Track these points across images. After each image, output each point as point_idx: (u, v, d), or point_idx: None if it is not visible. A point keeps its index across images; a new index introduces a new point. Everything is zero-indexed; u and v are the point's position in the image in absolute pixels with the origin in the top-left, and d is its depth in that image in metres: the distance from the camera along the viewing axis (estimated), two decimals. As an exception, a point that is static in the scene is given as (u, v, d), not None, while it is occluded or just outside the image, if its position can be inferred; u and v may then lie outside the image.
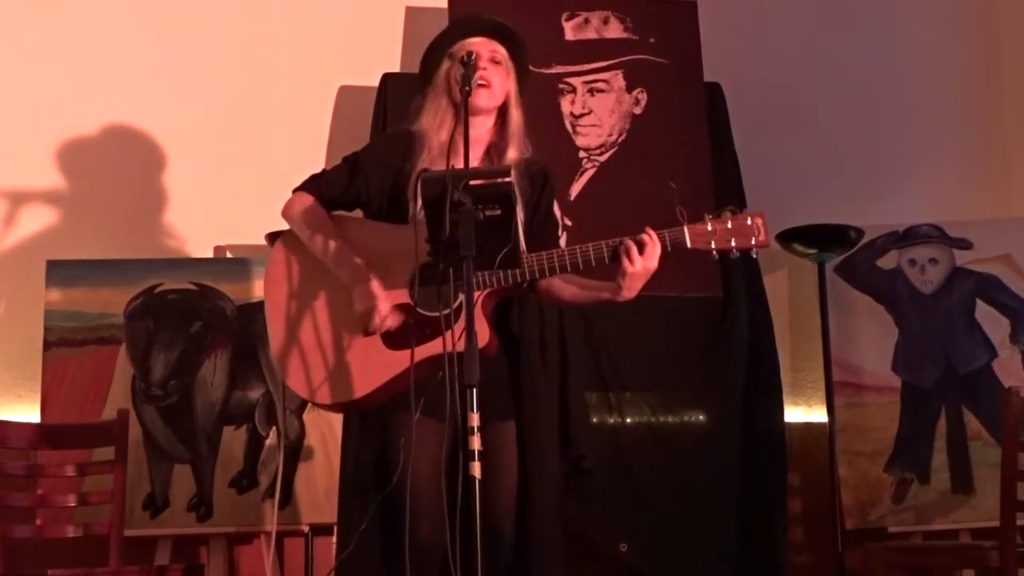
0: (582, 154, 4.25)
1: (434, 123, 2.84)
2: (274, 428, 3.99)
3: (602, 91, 4.31)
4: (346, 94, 4.51)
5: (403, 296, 2.74)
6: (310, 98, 4.47)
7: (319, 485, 3.93)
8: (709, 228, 2.71)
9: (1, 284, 4.25)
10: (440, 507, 2.48)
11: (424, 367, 2.62)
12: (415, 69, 2.97)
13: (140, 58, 4.44)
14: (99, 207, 4.36)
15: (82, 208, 4.35)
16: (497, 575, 2.60)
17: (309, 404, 3.36)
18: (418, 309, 2.69)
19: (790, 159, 4.65)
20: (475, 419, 2.31)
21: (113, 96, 4.40)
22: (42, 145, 4.35)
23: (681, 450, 4.07)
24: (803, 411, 4.56)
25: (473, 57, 2.71)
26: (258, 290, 3.99)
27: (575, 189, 4.21)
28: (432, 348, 2.63)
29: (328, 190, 2.87)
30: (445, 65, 2.86)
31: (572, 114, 4.28)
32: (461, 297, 2.54)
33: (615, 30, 4.37)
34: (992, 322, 4.30)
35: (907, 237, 4.40)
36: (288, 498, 3.94)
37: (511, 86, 2.89)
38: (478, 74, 2.74)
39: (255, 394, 4.02)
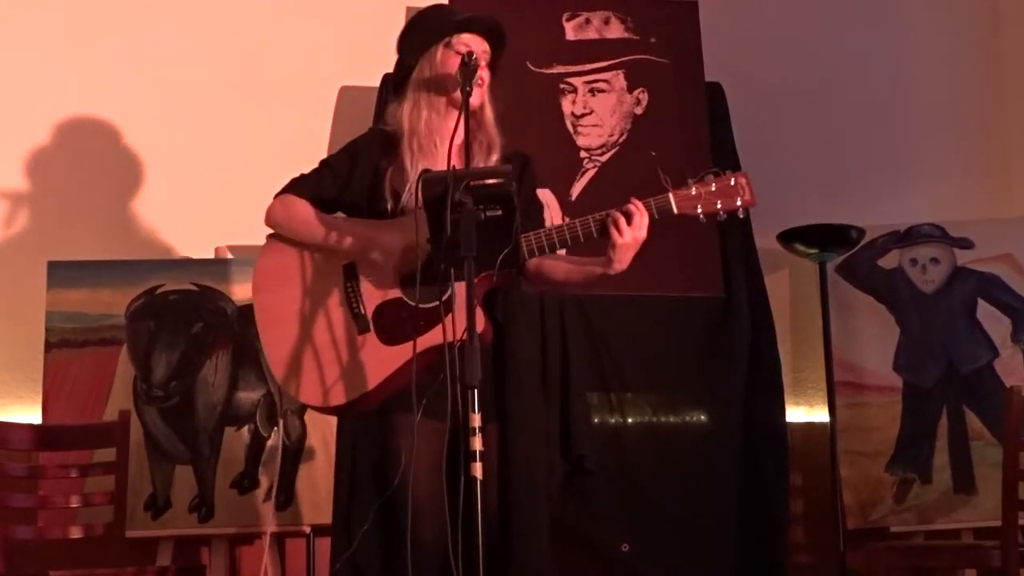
0: (583, 154, 4.26)
1: (426, 118, 2.82)
2: (275, 429, 3.99)
3: (603, 91, 4.31)
4: (347, 95, 4.51)
5: (394, 291, 2.74)
6: (311, 99, 4.47)
7: (320, 486, 3.93)
8: (693, 192, 2.70)
9: (2, 285, 4.25)
10: (440, 508, 2.49)
11: (423, 359, 2.60)
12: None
13: (140, 59, 4.44)
14: (100, 208, 4.36)
15: (83, 209, 4.35)
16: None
17: (310, 405, 3.36)
18: (409, 302, 2.69)
19: (791, 159, 4.65)
20: (476, 420, 2.31)
21: (114, 97, 4.40)
22: (42, 146, 4.35)
23: (682, 450, 4.07)
24: (804, 411, 4.56)
25: (475, 57, 2.71)
26: (259, 291, 3.99)
27: (576, 189, 4.21)
28: (430, 339, 2.63)
29: (308, 192, 2.85)
30: (438, 56, 2.82)
31: (573, 114, 4.28)
32: (453, 287, 2.55)
33: (616, 30, 4.37)
34: (993, 322, 4.29)
35: (908, 237, 4.40)
36: (290, 499, 3.94)
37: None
38: (478, 73, 2.74)
39: (256, 395, 4.02)
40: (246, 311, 4.05)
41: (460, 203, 2.39)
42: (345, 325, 2.74)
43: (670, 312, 4.11)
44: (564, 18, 4.36)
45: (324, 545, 3.94)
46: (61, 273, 4.05)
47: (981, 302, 4.32)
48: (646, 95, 4.32)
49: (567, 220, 2.73)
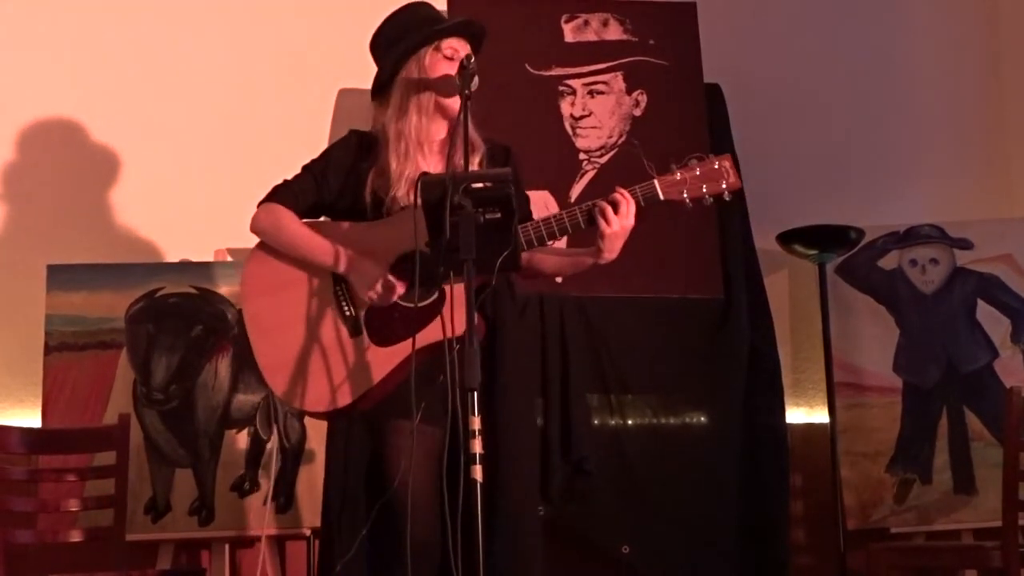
0: (582, 156, 4.26)
1: (415, 122, 2.81)
2: (275, 432, 3.98)
3: (602, 93, 4.31)
4: (346, 97, 4.51)
5: None
6: (310, 101, 4.47)
7: (320, 489, 3.91)
8: (678, 177, 2.71)
9: (2, 288, 4.25)
10: (433, 512, 2.49)
11: (419, 357, 2.59)
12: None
13: (140, 63, 4.44)
14: (99, 211, 4.36)
15: (82, 212, 4.35)
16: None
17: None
18: (401, 303, 2.69)
19: (790, 160, 4.65)
20: (476, 422, 2.31)
21: (113, 100, 4.40)
22: (41, 149, 4.35)
23: (683, 452, 4.07)
24: (804, 412, 4.56)
25: (472, 61, 2.71)
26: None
27: (575, 191, 4.21)
28: (424, 339, 2.62)
29: (292, 198, 2.84)
30: (427, 60, 2.81)
31: (572, 116, 4.28)
32: (444, 286, 2.57)
33: (615, 32, 4.37)
34: (993, 322, 4.29)
35: (908, 237, 4.40)
36: (289, 502, 3.94)
37: None
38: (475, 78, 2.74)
39: (256, 398, 4.02)
40: (246, 314, 4.05)
41: (459, 206, 2.39)
42: (337, 329, 2.74)
43: (670, 314, 4.11)
44: (563, 20, 4.37)
45: (324, 548, 3.94)
46: (61, 276, 4.05)
47: (981, 303, 4.32)
48: (645, 97, 4.33)
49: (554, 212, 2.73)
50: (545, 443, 3.86)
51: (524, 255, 2.77)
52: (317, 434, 3.98)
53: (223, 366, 4.03)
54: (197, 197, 4.36)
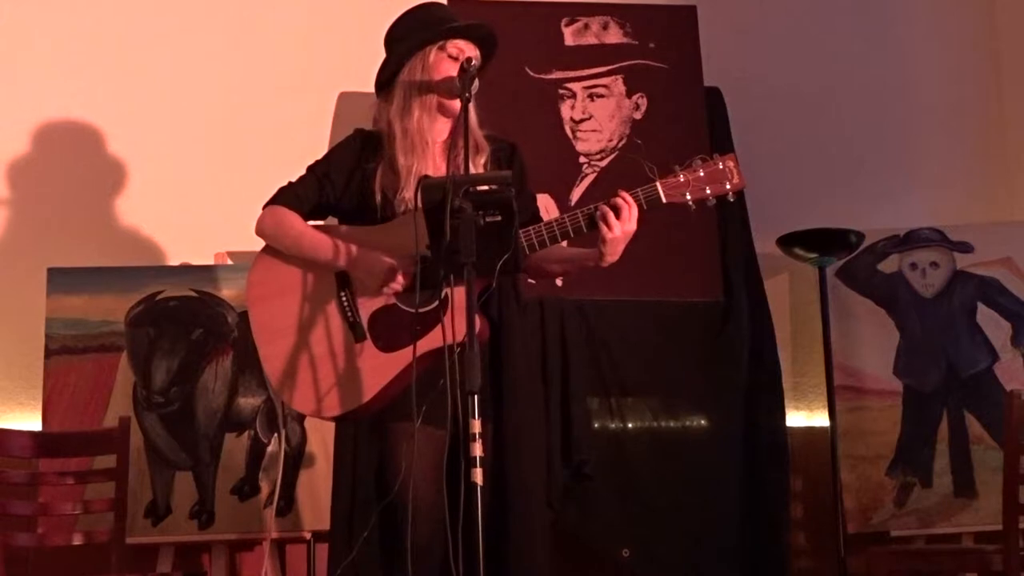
0: (582, 159, 4.26)
1: (417, 118, 2.81)
2: (276, 435, 3.98)
3: (602, 96, 4.31)
4: (346, 100, 4.51)
5: (388, 297, 2.73)
6: (310, 104, 4.47)
7: (321, 492, 3.92)
8: (681, 179, 2.68)
9: (2, 291, 4.25)
10: (436, 515, 2.48)
11: (421, 363, 2.60)
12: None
13: (140, 66, 4.44)
14: (100, 214, 4.36)
15: (83, 215, 4.35)
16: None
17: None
18: (403, 307, 2.69)
19: (790, 164, 4.65)
20: (477, 426, 2.31)
21: (113, 104, 4.40)
22: (42, 152, 4.35)
23: (683, 455, 4.07)
24: (805, 415, 4.56)
25: (474, 63, 2.71)
26: (259, 297, 3.98)
27: (576, 194, 4.21)
28: (428, 344, 2.63)
29: (297, 201, 2.85)
30: (431, 58, 2.82)
31: (572, 119, 4.29)
32: (446, 290, 2.57)
33: (615, 35, 4.38)
34: (993, 326, 4.29)
35: (908, 241, 4.40)
36: (290, 505, 3.94)
37: None
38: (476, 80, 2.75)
39: (256, 401, 4.02)
40: (246, 317, 4.01)
41: (460, 209, 2.39)
42: (342, 334, 2.74)
43: (670, 317, 4.11)
44: (563, 23, 4.37)
45: (324, 551, 3.91)
46: (61, 279, 4.04)
47: (981, 306, 4.32)
48: (645, 100, 4.33)
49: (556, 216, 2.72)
50: (545, 446, 3.86)
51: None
52: (318, 437, 3.98)
53: (223, 369, 4.03)
54: (197, 200, 4.36)
